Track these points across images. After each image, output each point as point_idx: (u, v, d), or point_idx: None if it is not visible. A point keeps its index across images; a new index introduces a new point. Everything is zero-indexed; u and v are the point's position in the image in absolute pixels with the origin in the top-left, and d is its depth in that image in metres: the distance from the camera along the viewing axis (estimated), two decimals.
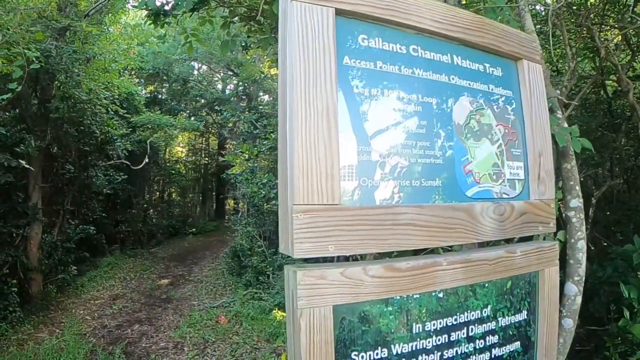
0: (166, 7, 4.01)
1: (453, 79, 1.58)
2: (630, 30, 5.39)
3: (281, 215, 1.30)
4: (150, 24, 4.39)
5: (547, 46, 7.35)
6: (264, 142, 10.36)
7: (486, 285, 1.61)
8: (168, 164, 19.76)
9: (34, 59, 6.34)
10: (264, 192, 9.49)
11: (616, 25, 5.24)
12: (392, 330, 1.38)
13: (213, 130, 21.92)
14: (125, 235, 13.90)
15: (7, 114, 7.63)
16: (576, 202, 2.22)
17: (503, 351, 1.68)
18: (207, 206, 23.97)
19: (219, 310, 8.25)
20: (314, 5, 1.31)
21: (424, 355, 1.45)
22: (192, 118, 18.27)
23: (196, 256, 13.72)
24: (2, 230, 7.94)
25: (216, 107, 19.25)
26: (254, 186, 9.75)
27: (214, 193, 24.22)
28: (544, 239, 2.01)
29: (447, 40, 1.59)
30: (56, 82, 8.85)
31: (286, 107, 1.28)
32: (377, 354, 1.35)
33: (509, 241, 1.89)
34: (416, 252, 1.61)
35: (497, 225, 1.59)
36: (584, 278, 2.18)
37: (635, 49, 5.65)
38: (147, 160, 12.79)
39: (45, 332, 7.35)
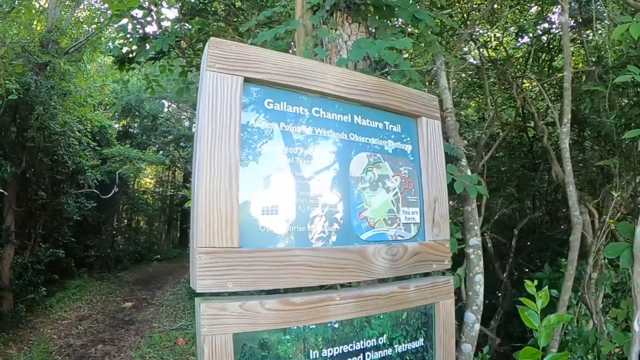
0: (130, 55, 4.06)
1: (352, 136, 1.68)
2: (546, 82, 5.72)
3: (191, 254, 1.36)
4: (116, 69, 4.44)
5: (475, 97, 7.72)
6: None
7: (381, 316, 1.68)
8: (136, 194, 19.37)
9: (13, 90, 6.29)
10: None
11: (533, 78, 5.57)
12: (290, 356, 1.44)
13: (179, 165, 21.78)
14: (94, 259, 13.46)
15: None
16: (475, 240, 2.34)
17: None
18: (171, 234, 23.61)
19: (177, 333, 8.08)
20: (225, 74, 1.40)
21: None
22: (160, 152, 18.14)
23: (159, 281, 13.42)
24: None
25: (182, 144, 19.17)
26: None
27: (178, 222, 23.86)
28: (443, 274, 2.12)
29: (348, 102, 1.70)
30: (34, 114, 8.67)
31: (196, 162, 1.35)
32: None
33: (405, 278, 1.98)
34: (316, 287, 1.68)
35: (389, 264, 1.67)
36: (481, 307, 2.28)
37: (551, 98, 5.97)
38: (116, 189, 12.57)
39: (14, 349, 7.07)
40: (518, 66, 6.59)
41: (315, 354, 1.50)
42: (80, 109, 10.11)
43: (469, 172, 2.52)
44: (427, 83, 4.68)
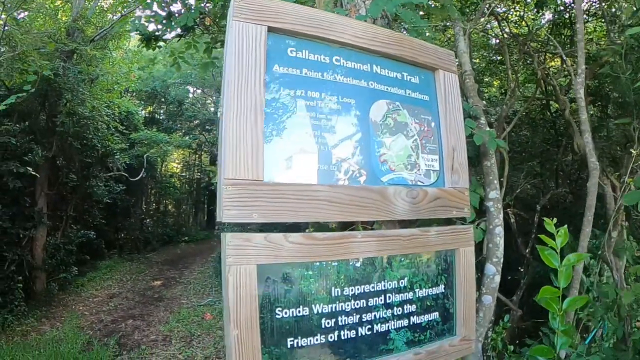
0: (157, 33, 4.15)
1: (372, 84, 1.73)
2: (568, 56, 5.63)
3: (218, 188, 1.42)
4: (143, 47, 4.54)
5: (498, 74, 7.64)
6: None
7: (402, 259, 1.73)
8: (164, 178, 19.76)
9: (42, 71, 6.51)
10: None
11: (556, 52, 5.47)
12: (313, 292, 1.50)
13: (205, 148, 22.02)
14: (123, 241, 13.86)
15: (17, 125, 7.70)
16: (494, 193, 2.37)
17: (421, 319, 1.79)
18: (199, 217, 23.98)
19: (205, 308, 8.28)
20: (250, 23, 1.46)
21: (343, 316, 1.56)
22: (187, 137, 18.40)
23: (187, 261, 13.68)
24: (11, 231, 7.94)
25: (208, 127, 19.36)
26: None
27: (205, 205, 24.19)
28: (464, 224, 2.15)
29: (367, 52, 1.74)
30: (63, 100, 8.95)
31: (224, 104, 1.41)
32: (299, 311, 1.47)
33: (426, 224, 2.02)
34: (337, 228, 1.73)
35: (409, 207, 1.72)
36: (502, 260, 2.31)
37: (573, 72, 5.88)
38: (144, 173, 12.86)
39: (47, 325, 7.36)
40: (540, 41, 6.48)
41: (337, 291, 1.56)
42: (108, 94, 10.34)
43: (491, 130, 2.54)
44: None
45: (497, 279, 2.30)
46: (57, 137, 9.23)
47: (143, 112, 17.07)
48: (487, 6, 4.54)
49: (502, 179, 4.81)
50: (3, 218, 7.51)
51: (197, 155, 23.30)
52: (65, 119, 9.10)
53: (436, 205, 1.82)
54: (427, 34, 2.27)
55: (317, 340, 1.50)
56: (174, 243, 17.32)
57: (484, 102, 2.82)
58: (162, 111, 19.80)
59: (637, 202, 1.94)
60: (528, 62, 6.20)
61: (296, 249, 1.44)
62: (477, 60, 7.60)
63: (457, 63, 2.82)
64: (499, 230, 2.33)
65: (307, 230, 1.56)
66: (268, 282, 1.42)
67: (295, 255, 1.44)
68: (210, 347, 6.40)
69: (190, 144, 17.79)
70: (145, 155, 13.12)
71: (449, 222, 2.01)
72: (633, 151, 2.54)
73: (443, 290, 1.87)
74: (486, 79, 7.97)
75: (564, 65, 6.16)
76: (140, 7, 4.44)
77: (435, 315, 1.84)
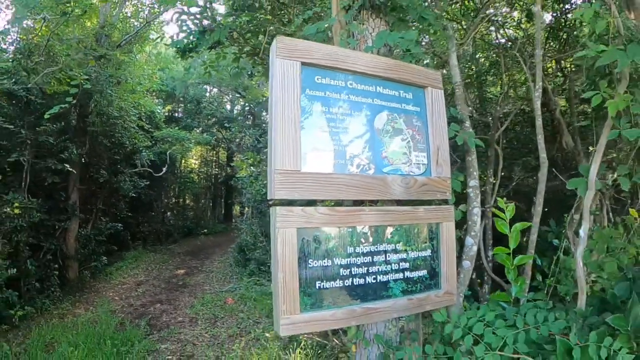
0: (190, 46, 4.78)
1: (376, 101, 2.36)
2: (564, 59, 6.17)
3: (268, 176, 2.04)
4: (178, 58, 5.19)
5: (500, 75, 8.14)
6: (266, 152, 11.14)
7: (398, 228, 2.37)
8: (183, 173, 20.59)
9: (81, 81, 7.18)
10: (265, 191, 10.22)
11: (550, 55, 5.98)
12: (334, 249, 2.14)
13: (223, 145, 22.80)
14: (147, 233, 14.64)
15: (53, 126, 8.37)
16: (474, 182, 2.99)
17: (413, 274, 2.42)
18: (217, 210, 24.71)
19: (227, 294, 8.91)
20: (288, 60, 2.09)
21: (355, 268, 2.20)
22: (205, 134, 19.04)
23: (208, 252, 14.41)
24: (47, 223, 8.62)
25: (225, 125, 20.00)
26: (257, 186, 10.53)
27: (223, 199, 24.96)
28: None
29: (373, 77, 2.37)
30: (92, 101, 9.65)
31: (272, 117, 2.05)
32: (324, 262, 2.11)
33: (417, 203, 2.63)
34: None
35: (404, 190, 2.35)
36: (479, 234, 2.93)
37: (567, 73, 6.42)
38: (166, 169, 13.57)
39: (81, 309, 8.02)
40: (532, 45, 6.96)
41: (351, 249, 2.20)
42: (133, 95, 11.04)
43: (471, 131, 3.15)
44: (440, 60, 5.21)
45: (475, 248, 2.91)
46: (89, 136, 9.98)
47: (162, 110, 17.75)
48: (481, 17, 5.12)
49: (497, 172, 5.40)
50: (41, 211, 8.13)
51: (214, 152, 24.07)
52: (96, 119, 9.85)
53: (424, 189, 2.44)
54: (424, 60, 2.85)
55: (337, 284, 2.14)
56: (193, 235, 18.14)
57: (472, 107, 3.41)
58: (180, 109, 20.51)
59: (578, 187, 2.54)
60: (527, 64, 6.72)
61: (323, 218, 2.08)
62: (483, 61, 8.13)
63: (446, 75, 3.41)
64: (477, 211, 2.95)
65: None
66: (304, 241, 2.05)
67: (322, 221, 2.08)
68: (233, 327, 6.99)
69: (210, 141, 18.46)
70: (168, 152, 13.82)
71: (435, 203, 2.62)
72: (591, 147, 3.11)
73: (430, 254, 2.50)
74: (490, 78, 8.46)
75: (559, 66, 6.72)
76: (166, 19, 5.07)
77: (424, 272, 2.47)
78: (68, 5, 6.56)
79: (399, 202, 2.45)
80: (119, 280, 10.22)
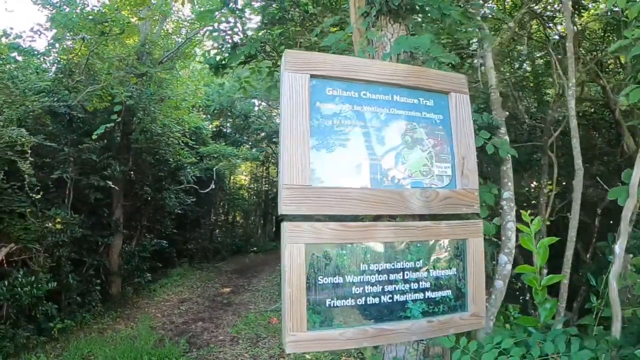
0: (223, 62, 4.91)
1: (392, 110, 2.33)
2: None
3: (279, 191, 2.06)
4: (212, 75, 5.35)
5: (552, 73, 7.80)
6: None
7: (418, 244, 2.30)
8: (232, 190, 20.93)
9: (124, 98, 7.53)
10: None
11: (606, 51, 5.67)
12: (346, 266, 2.12)
13: (273, 160, 22.95)
14: (194, 251, 15.00)
15: (97, 143, 8.75)
16: (508, 194, 2.88)
17: (435, 295, 2.34)
18: (267, 228, 24.83)
19: (272, 314, 8.88)
20: (296, 73, 2.11)
21: (368, 286, 2.16)
22: (254, 149, 19.23)
23: (256, 270, 14.55)
24: (90, 239, 9.01)
25: (274, 139, 20.27)
26: None
27: (273, 216, 25.00)
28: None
29: (388, 85, 2.34)
30: (135, 118, 10.10)
31: (281, 131, 2.08)
32: (335, 279, 2.09)
33: (440, 218, 2.55)
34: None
35: (423, 204, 2.29)
36: (513, 250, 2.81)
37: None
38: (213, 185, 13.87)
39: (121, 324, 8.29)
40: (592, 40, 6.62)
41: (365, 266, 2.17)
42: (177, 111, 11.42)
43: (507, 138, 3.03)
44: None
45: (509, 267, 2.79)
46: (132, 153, 10.45)
47: (210, 126, 18.20)
48: (522, 12, 4.94)
49: (551, 181, 5.14)
50: (84, 226, 8.50)
51: (264, 167, 24.36)
52: (139, 136, 10.29)
53: (446, 203, 2.37)
54: (446, 61, 2.79)
55: (348, 302, 2.11)
56: (242, 253, 18.39)
57: (525, 111, 3.29)
58: (228, 125, 20.94)
59: (618, 197, 2.38)
60: (583, 62, 6.36)
61: (333, 234, 2.07)
62: (537, 60, 7.83)
63: (482, 79, 3.32)
64: (511, 226, 2.83)
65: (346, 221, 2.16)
66: (313, 256, 2.05)
67: (332, 237, 2.07)
68: (275, 347, 6.98)
69: (258, 157, 18.73)
70: (214, 169, 14.19)
71: (463, 217, 2.53)
72: None
73: (455, 273, 2.41)
74: (548, 79, 8.06)
75: (618, 62, 6.36)
76: (206, 37, 5.23)
77: (447, 292, 2.38)
78: (106, 25, 6.92)
79: (422, 217, 2.39)
80: (162, 297, 10.51)
